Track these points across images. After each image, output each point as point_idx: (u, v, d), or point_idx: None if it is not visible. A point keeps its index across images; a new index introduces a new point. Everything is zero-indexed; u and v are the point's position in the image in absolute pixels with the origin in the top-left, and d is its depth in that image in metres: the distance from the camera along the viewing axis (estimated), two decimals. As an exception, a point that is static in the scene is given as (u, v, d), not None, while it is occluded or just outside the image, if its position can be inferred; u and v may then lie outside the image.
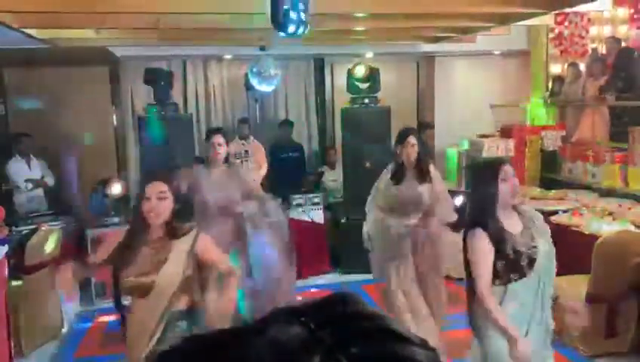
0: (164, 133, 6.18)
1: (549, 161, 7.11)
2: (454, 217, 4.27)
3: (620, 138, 6.25)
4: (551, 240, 2.88)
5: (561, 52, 7.93)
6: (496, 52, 8.14)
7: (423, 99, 8.76)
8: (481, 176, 2.88)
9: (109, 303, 3.06)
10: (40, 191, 6.52)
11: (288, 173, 7.35)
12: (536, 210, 3.09)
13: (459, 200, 6.58)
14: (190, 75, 8.01)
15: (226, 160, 4.34)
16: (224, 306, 2.70)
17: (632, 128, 5.83)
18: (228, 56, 7.97)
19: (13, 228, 5.22)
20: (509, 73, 8.34)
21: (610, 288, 4.27)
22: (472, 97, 8.18)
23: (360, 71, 6.85)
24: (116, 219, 6.07)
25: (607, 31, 7.50)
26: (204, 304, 2.70)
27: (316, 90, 8.48)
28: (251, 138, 7.20)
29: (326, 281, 6.37)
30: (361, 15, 5.49)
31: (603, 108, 6.67)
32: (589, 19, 7.69)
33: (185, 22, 5.64)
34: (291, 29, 3.75)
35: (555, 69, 7.95)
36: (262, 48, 7.01)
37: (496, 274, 2.82)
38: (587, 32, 7.76)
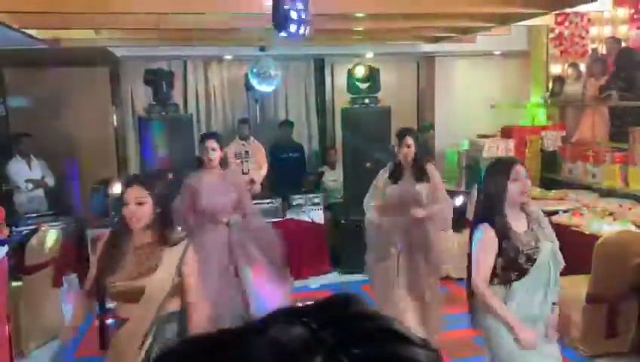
0: (164, 134, 6.18)
1: (550, 161, 7.11)
2: (450, 217, 4.29)
3: (619, 138, 6.25)
4: (557, 242, 2.91)
5: (562, 52, 7.93)
6: (497, 52, 8.14)
7: (423, 100, 8.76)
8: (493, 174, 2.91)
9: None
10: (40, 192, 6.52)
11: (288, 174, 7.35)
12: (536, 210, 3.10)
13: (459, 200, 6.61)
14: (190, 76, 8.01)
15: (223, 162, 4.30)
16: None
17: (633, 128, 5.83)
18: (228, 57, 7.97)
19: (14, 228, 5.21)
20: (509, 73, 8.34)
21: (610, 288, 4.27)
22: (472, 97, 8.18)
23: (360, 71, 6.85)
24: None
25: (607, 31, 7.50)
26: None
27: (316, 91, 8.48)
28: (251, 138, 7.20)
29: (326, 281, 6.36)
30: (361, 15, 5.49)
31: (603, 108, 6.67)
32: (589, 20, 7.69)
33: (185, 22, 5.64)
34: (292, 29, 3.75)
35: (556, 69, 7.96)
36: (262, 49, 7.01)
37: (495, 272, 2.83)
38: (587, 32, 7.76)
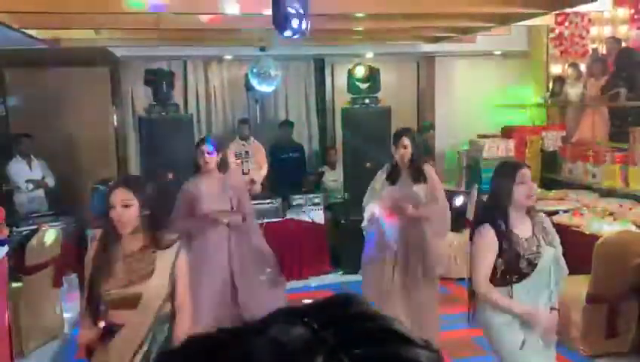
0: (164, 134, 6.18)
1: (550, 162, 7.11)
2: (448, 220, 4.29)
3: (619, 138, 6.25)
4: (560, 248, 2.92)
5: (562, 52, 7.93)
6: (497, 52, 8.14)
7: (423, 100, 8.76)
8: (500, 176, 2.93)
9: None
10: (40, 192, 6.52)
11: (289, 174, 7.35)
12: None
13: (459, 200, 6.61)
14: (191, 76, 8.00)
15: (223, 165, 4.27)
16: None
17: (633, 128, 5.83)
18: (228, 57, 7.97)
19: (14, 228, 5.21)
20: (510, 73, 8.33)
21: (610, 288, 4.27)
22: (472, 97, 8.17)
23: (360, 71, 6.86)
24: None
25: (607, 31, 7.50)
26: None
27: (316, 91, 8.48)
28: (252, 138, 7.20)
29: (326, 282, 6.36)
30: (361, 15, 5.49)
31: (603, 108, 6.67)
32: (589, 20, 7.69)
33: (185, 22, 5.64)
34: (292, 29, 3.75)
35: (556, 69, 7.96)
36: (262, 49, 7.01)
37: (494, 274, 2.83)
38: (587, 32, 7.76)
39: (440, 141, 8.13)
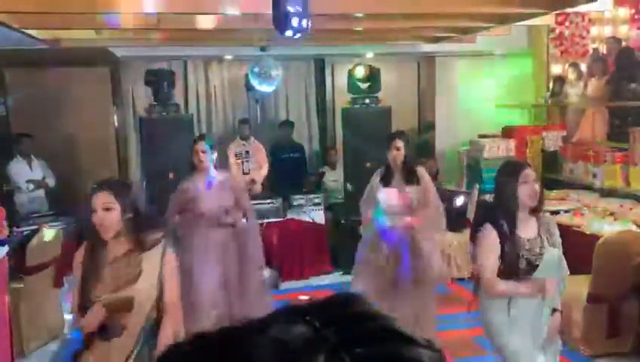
0: (165, 134, 6.18)
1: (550, 162, 7.11)
2: (442, 218, 4.29)
3: (620, 138, 6.24)
4: (561, 249, 2.92)
5: (562, 52, 7.92)
6: (497, 52, 8.13)
7: (423, 99, 8.76)
8: (503, 176, 2.94)
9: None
10: (41, 192, 6.52)
11: (289, 174, 7.35)
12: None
13: (459, 200, 6.61)
14: (191, 76, 8.00)
15: (221, 164, 4.28)
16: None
17: (633, 128, 5.83)
18: (229, 57, 7.97)
19: (14, 228, 5.21)
20: (510, 73, 8.33)
21: (611, 288, 4.26)
22: (472, 97, 8.17)
23: (360, 71, 6.86)
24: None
25: (607, 31, 7.49)
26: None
27: (317, 91, 8.48)
28: (252, 138, 7.20)
29: (327, 281, 6.36)
30: (361, 15, 5.49)
31: (603, 108, 6.66)
32: (589, 20, 7.68)
33: (185, 22, 5.64)
34: (292, 29, 3.75)
35: (556, 69, 7.95)
36: (262, 49, 7.01)
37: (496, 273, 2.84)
38: (588, 32, 7.76)
39: (440, 141, 8.13)
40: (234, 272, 4.27)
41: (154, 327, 2.52)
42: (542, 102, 7.91)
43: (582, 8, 6.18)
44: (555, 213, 5.41)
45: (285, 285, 6.22)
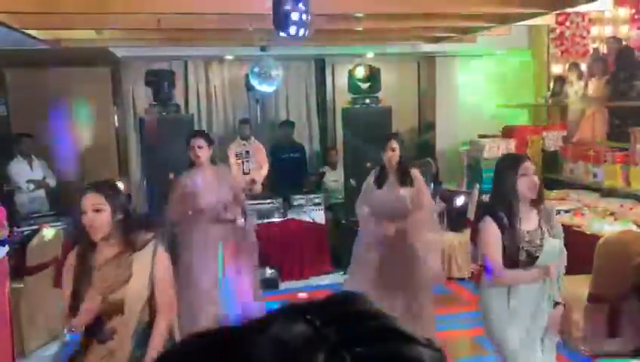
0: (165, 134, 6.18)
1: (551, 161, 7.10)
2: (434, 218, 4.30)
3: (620, 138, 6.24)
4: (563, 242, 2.93)
5: (562, 52, 7.92)
6: (497, 52, 8.13)
7: (424, 99, 8.76)
8: (502, 169, 2.95)
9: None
10: (41, 192, 6.52)
11: (289, 174, 7.35)
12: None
13: (460, 200, 6.61)
14: (191, 76, 8.01)
15: (214, 160, 4.31)
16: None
17: (633, 128, 5.82)
18: (229, 57, 7.97)
19: (15, 228, 5.21)
20: (510, 73, 8.33)
21: (612, 288, 4.25)
22: (473, 97, 8.17)
23: (361, 71, 6.86)
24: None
25: (608, 31, 7.49)
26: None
27: (317, 91, 8.48)
28: (252, 138, 7.20)
29: (327, 281, 6.36)
30: (361, 15, 5.49)
31: (604, 108, 6.66)
32: (590, 20, 7.68)
33: (186, 22, 5.64)
34: (292, 29, 3.75)
35: (556, 69, 7.95)
36: (263, 49, 7.01)
37: None
38: (588, 32, 7.75)
39: (440, 141, 8.12)
40: (229, 270, 4.29)
41: (146, 330, 2.51)
42: (542, 102, 7.91)
43: (582, 8, 6.19)
44: (556, 212, 5.41)
45: (285, 285, 6.23)
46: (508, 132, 7.47)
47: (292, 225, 6.53)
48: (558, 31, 7.83)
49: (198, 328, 0.56)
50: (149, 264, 2.51)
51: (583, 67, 7.22)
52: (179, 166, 5.38)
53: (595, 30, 7.69)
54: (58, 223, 5.69)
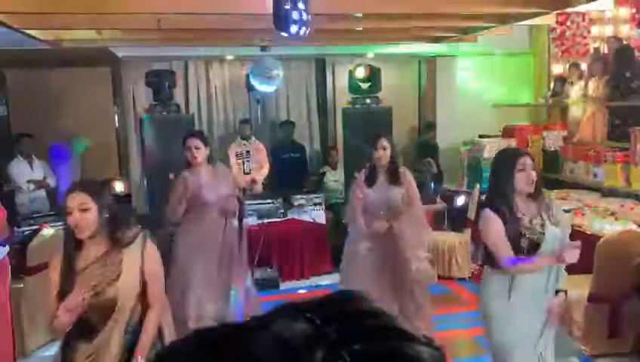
0: (165, 134, 6.19)
1: (551, 161, 7.10)
2: (422, 217, 4.30)
3: (620, 138, 6.24)
4: (569, 229, 2.93)
5: (563, 52, 7.92)
6: (498, 52, 8.13)
7: (424, 99, 8.76)
8: (500, 163, 2.97)
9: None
10: (42, 192, 6.53)
11: (290, 174, 7.35)
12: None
13: (460, 200, 6.60)
14: (192, 76, 8.01)
15: (211, 159, 4.32)
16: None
17: (634, 128, 5.82)
18: (229, 57, 7.98)
19: (15, 228, 5.22)
20: (511, 73, 8.33)
21: (612, 288, 4.26)
22: (473, 97, 8.17)
23: (361, 71, 6.87)
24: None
25: (608, 31, 7.49)
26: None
27: (317, 91, 8.48)
28: (253, 138, 7.21)
29: (327, 282, 6.36)
30: (361, 15, 5.49)
31: (604, 108, 6.66)
32: (590, 19, 7.68)
33: (186, 22, 5.64)
34: (293, 28, 3.75)
35: (557, 68, 7.95)
36: (263, 49, 7.01)
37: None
38: (589, 32, 7.75)
39: (441, 141, 8.12)
40: (225, 266, 4.31)
41: (137, 329, 2.51)
42: (542, 102, 7.91)
43: (583, 8, 6.18)
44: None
45: (286, 285, 6.23)
46: (508, 132, 7.47)
47: (292, 225, 6.53)
48: (558, 31, 7.83)
49: (196, 327, 0.56)
50: (139, 258, 2.51)
51: (584, 67, 7.22)
52: (179, 166, 5.39)
53: (595, 30, 7.69)
54: (58, 223, 5.69)
